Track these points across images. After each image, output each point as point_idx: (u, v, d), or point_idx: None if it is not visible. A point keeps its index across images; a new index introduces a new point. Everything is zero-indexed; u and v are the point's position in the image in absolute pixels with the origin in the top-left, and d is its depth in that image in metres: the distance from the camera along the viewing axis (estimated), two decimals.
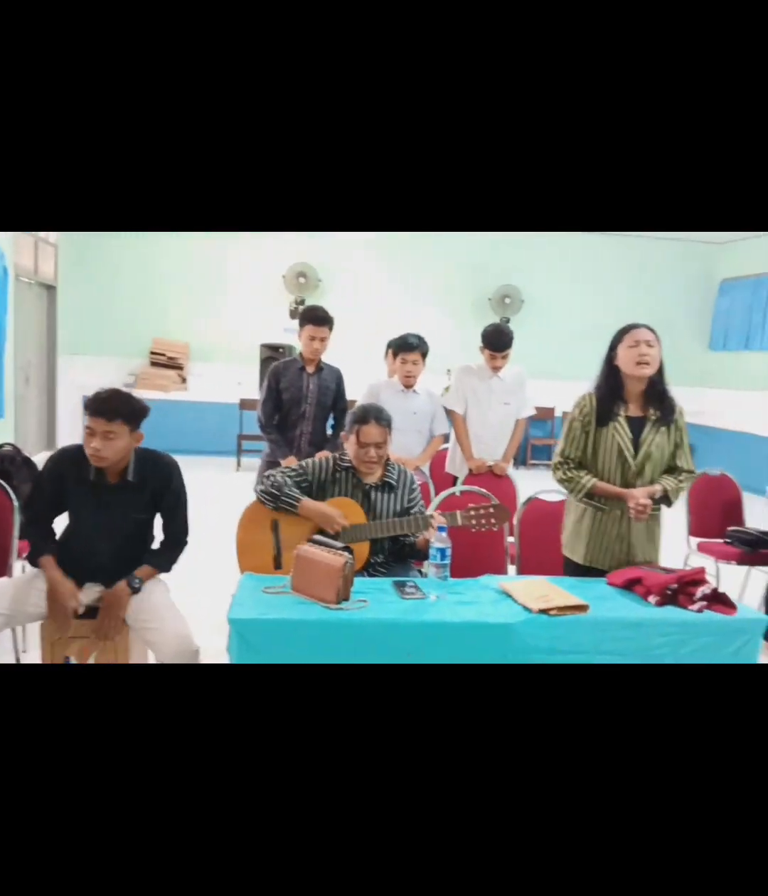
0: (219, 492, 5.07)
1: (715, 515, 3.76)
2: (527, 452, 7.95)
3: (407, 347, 3.46)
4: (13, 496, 2.71)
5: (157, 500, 2.25)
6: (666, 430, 2.36)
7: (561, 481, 2.42)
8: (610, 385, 2.36)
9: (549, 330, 8.10)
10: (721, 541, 3.70)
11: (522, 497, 3.13)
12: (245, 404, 7.21)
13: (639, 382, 2.34)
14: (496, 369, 3.65)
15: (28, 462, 3.36)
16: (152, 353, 7.81)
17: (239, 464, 7.22)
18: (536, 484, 3.20)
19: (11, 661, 2.57)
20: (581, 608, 1.98)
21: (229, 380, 7.84)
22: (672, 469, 2.40)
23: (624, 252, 8.36)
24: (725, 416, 7.88)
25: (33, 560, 2.22)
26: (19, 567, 2.73)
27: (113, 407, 2.10)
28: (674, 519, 3.89)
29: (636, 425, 2.35)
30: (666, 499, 2.36)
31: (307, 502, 2.34)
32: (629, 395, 2.37)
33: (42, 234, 6.94)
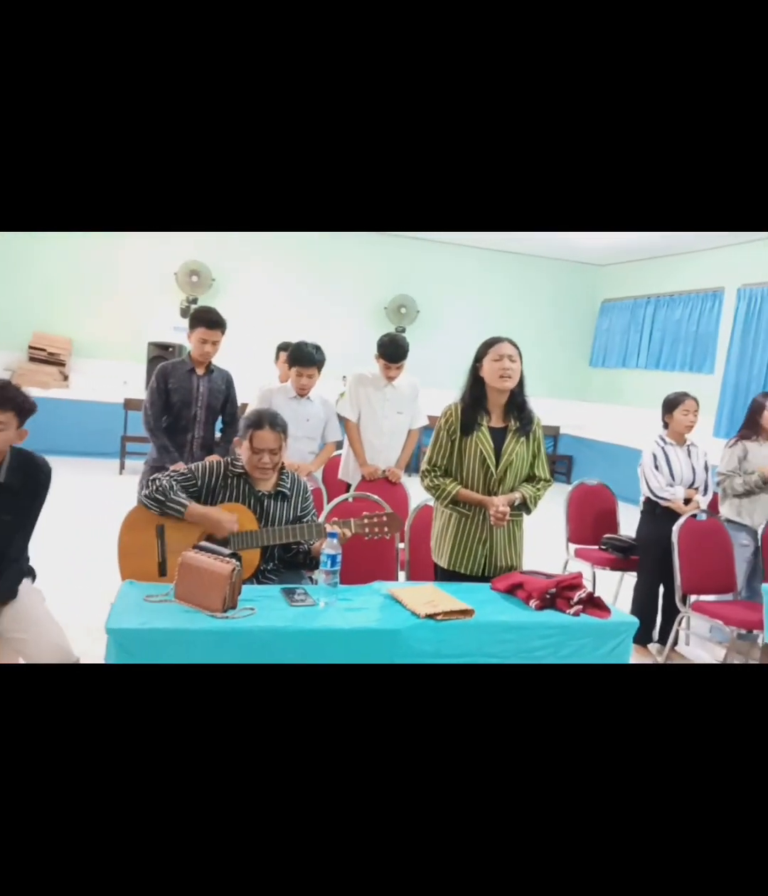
0: (102, 495, 4.85)
1: (592, 523, 3.96)
2: (420, 460, 8.08)
3: (305, 361, 3.43)
4: None
5: (27, 506, 2.11)
6: (525, 440, 2.47)
7: (428, 488, 2.49)
8: (474, 396, 2.45)
9: (442, 341, 8.29)
10: (597, 547, 3.90)
11: (414, 504, 3.18)
12: (130, 404, 6.93)
13: (501, 394, 2.44)
14: (390, 379, 3.69)
15: None
16: (31, 347, 7.37)
17: (123, 466, 6.93)
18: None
19: None
20: (466, 613, 2.03)
21: (114, 378, 7.52)
22: (531, 477, 2.51)
23: (515, 270, 8.70)
24: (602, 429, 8.33)
25: None
26: None
27: (5, 396, 1.97)
28: (554, 526, 4.08)
29: (498, 435, 2.45)
30: (525, 506, 2.47)
31: (195, 507, 2.27)
32: (491, 406, 2.46)
33: None
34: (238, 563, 1.97)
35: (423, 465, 2.51)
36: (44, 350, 7.40)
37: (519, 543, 2.53)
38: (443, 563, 2.50)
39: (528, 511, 2.50)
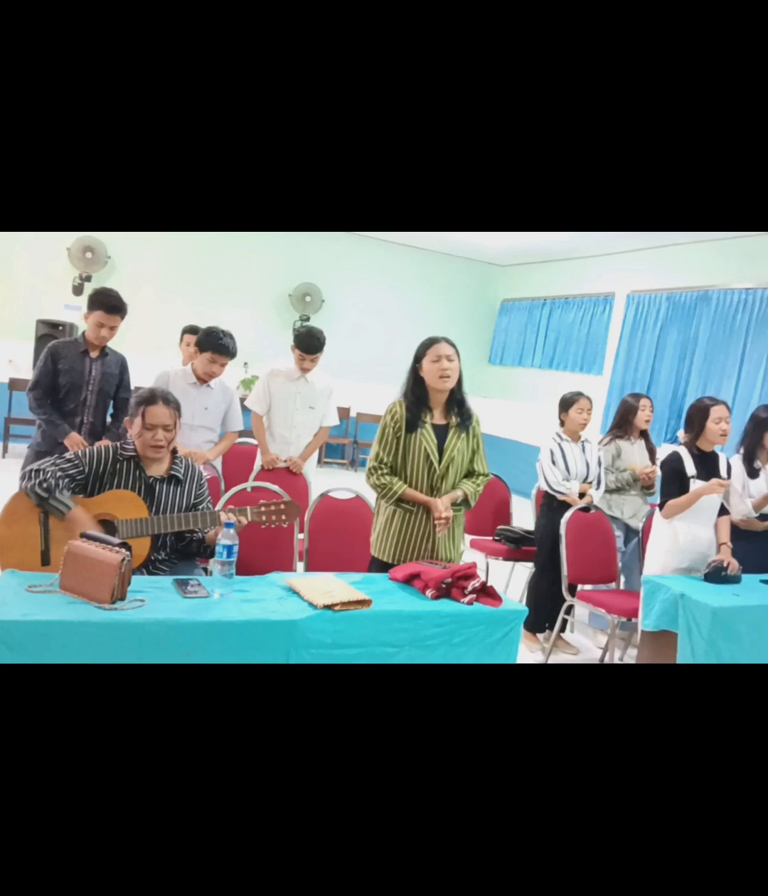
0: None
1: (487, 515, 4.07)
2: (322, 451, 8.05)
3: (221, 351, 3.32)
4: None
5: None
6: (466, 436, 2.53)
7: (375, 487, 2.51)
8: (416, 394, 2.50)
9: (347, 331, 8.27)
10: (491, 539, 4.02)
11: (314, 494, 3.16)
12: (15, 384, 6.53)
13: (441, 393, 2.50)
14: (305, 371, 3.66)
15: None
16: None
17: (5, 450, 6.53)
18: (329, 482, 3.25)
19: None
20: (364, 603, 2.04)
21: None
22: (470, 472, 2.58)
23: (419, 265, 8.78)
24: (499, 425, 8.58)
25: None
26: None
27: None
28: None
29: (440, 432, 2.51)
30: (466, 502, 2.54)
31: (77, 513, 2.15)
32: (433, 404, 2.52)
33: None
34: (128, 552, 1.90)
35: (370, 462, 2.53)
36: None
37: (457, 537, 2.61)
38: (385, 558, 2.54)
39: (469, 506, 2.57)
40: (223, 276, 7.94)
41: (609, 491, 3.67)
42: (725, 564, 2.89)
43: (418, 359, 2.50)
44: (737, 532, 3.20)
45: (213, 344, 3.33)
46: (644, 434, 3.81)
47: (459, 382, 2.52)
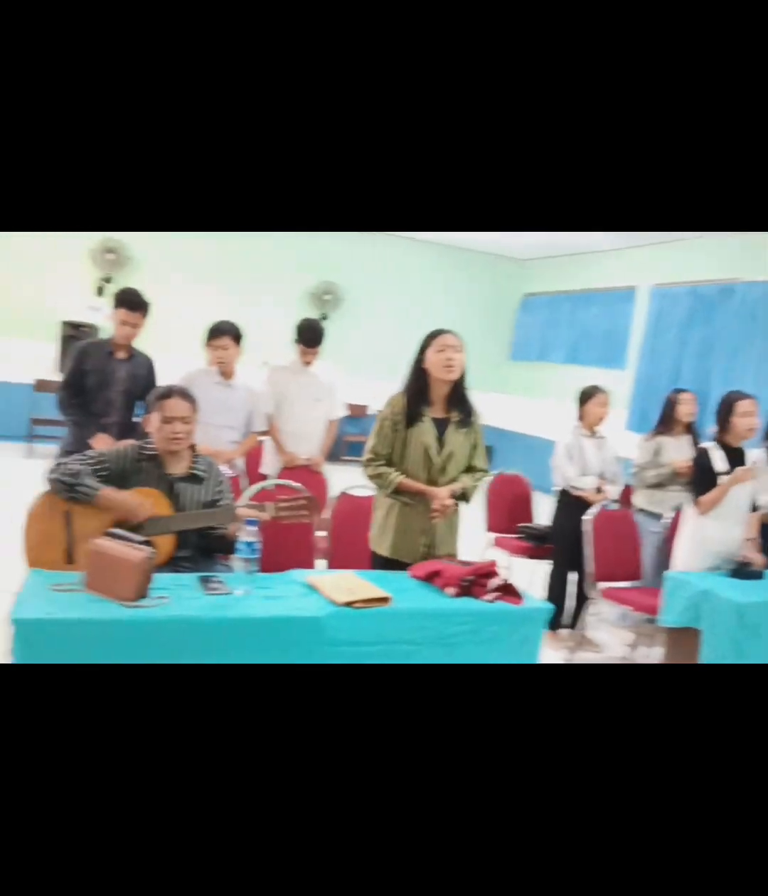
0: (7, 480, 4.62)
1: (509, 512, 4.05)
2: (341, 449, 8.07)
3: (216, 332, 3.39)
4: None
5: None
6: (466, 431, 2.50)
7: (371, 477, 2.49)
8: (418, 387, 2.47)
9: (366, 328, 8.27)
10: (513, 536, 4.00)
11: (334, 492, 3.17)
12: (41, 386, 6.62)
13: (444, 385, 2.46)
14: (307, 363, 3.67)
15: None
16: None
17: (31, 450, 6.62)
18: (348, 479, 3.25)
19: None
20: (384, 600, 2.04)
21: (24, 358, 7.16)
22: (469, 468, 2.55)
23: (439, 261, 8.75)
24: (520, 421, 8.53)
25: None
26: None
27: None
28: (473, 515, 4.15)
29: (440, 426, 2.47)
30: (464, 496, 2.52)
31: (107, 491, 2.19)
32: (434, 397, 2.48)
33: None
34: (151, 550, 1.91)
35: (366, 455, 2.51)
36: None
37: (456, 531, 2.58)
38: (384, 552, 2.52)
39: (466, 500, 2.54)
40: (243, 275, 7.97)
41: (650, 486, 3.63)
42: (750, 560, 2.85)
43: (422, 349, 2.46)
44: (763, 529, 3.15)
45: (210, 331, 3.38)
46: (690, 428, 3.74)
47: (462, 376, 2.48)
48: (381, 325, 8.44)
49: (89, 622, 1.74)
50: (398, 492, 2.46)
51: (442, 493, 2.40)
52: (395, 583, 2.23)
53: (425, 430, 2.44)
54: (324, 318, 7.98)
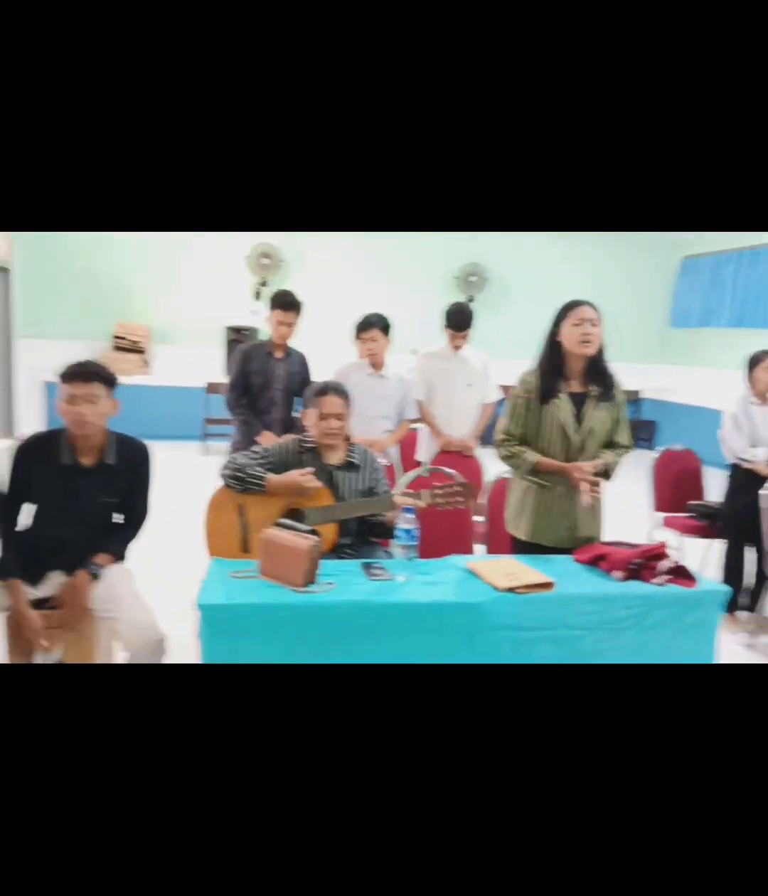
0: (187, 477, 5.03)
1: (678, 490, 3.83)
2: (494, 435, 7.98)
3: (364, 326, 3.47)
4: None
5: (128, 484, 2.24)
6: (607, 406, 2.38)
7: (504, 458, 2.44)
8: (553, 362, 2.37)
9: (513, 309, 8.11)
10: (683, 515, 3.78)
11: (489, 477, 3.16)
12: (212, 388, 7.13)
13: (581, 359, 2.36)
14: (457, 348, 3.67)
15: None
16: (115, 336, 7.66)
17: (206, 448, 7.16)
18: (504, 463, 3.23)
19: None
20: (547, 585, 2.01)
21: (194, 363, 7.74)
22: (610, 444, 2.43)
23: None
24: (686, 391, 8.01)
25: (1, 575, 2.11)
26: None
27: (89, 369, 2.12)
28: (636, 495, 3.97)
29: (578, 401, 2.37)
30: (606, 472, 2.39)
31: (273, 477, 2.34)
32: (571, 372, 2.38)
33: None
34: (317, 538, 2.02)
35: (498, 436, 2.46)
36: (126, 338, 7.68)
37: (598, 512, 2.48)
38: (522, 536, 2.47)
39: (607, 477, 2.42)
40: (388, 265, 8.09)
41: None
42: None
43: (557, 323, 2.35)
44: None
45: (358, 325, 3.46)
46: None
47: (601, 348, 2.35)
48: (533, 303, 8.21)
49: (265, 606, 1.87)
50: (534, 472, 2.38)
51: (584, 467, 2.30)
52: (559, 567, 2.19)
53: (561, 407, 2.35)
54: (471, 300, 7.92)
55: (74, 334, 7.63)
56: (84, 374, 2.11)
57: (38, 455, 2.17)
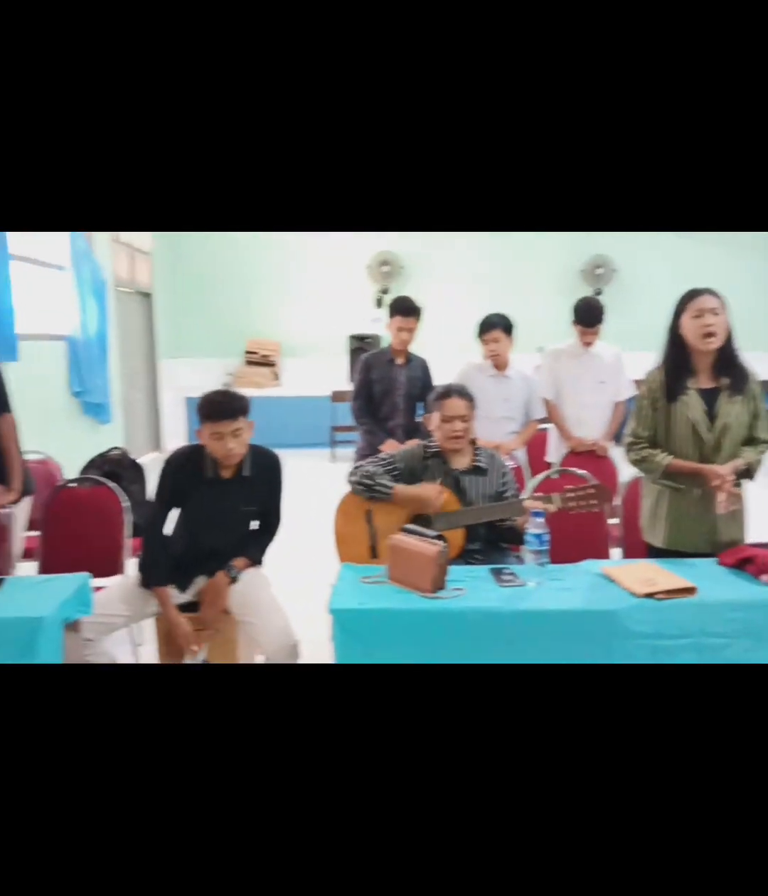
0: (315, 484, 5.17)
1: None
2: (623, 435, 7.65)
3: (487, 326, 3.42)
4: (123, 497, 2.85)
5: (264, 493, 2.33)
6: (741, 400, 2.20)
7: (635, 463, 2.31)
8: (676, 358, 2.22)
9: (645, 299, 7.73)
10: None
11: (624, 478, 3.02)
12: (337, 396, 7.31)
13: (707, 354, 2.20)
14: (587, 345, 3.54)
15: (136, 465, 3.54)
16: (247, 352, 8.05)
17: (333, 456, 7.34)
18: None
19: (129, 651, 2.71)
20: (688, 591, 1.90)
21: (320, 373, 7.97)
22: (750, 440, 2.24)
23: None
24: None
25: (147, 584, 2.25)
26: (132, 564, 2.87)
27: (232, 407, 2.20)
28: None
29: (708, 397, 2.20)
30: (748, 472, 2.21)
31: (400, 487, 2.35)
32: (697, 366, 2.22)
33: (136, 244, 7.24)
34: (444, 544, 2.01)
35: (626, 439, 2.34)
36: (257, 353, 8.05)
37: (740, 514, 2.30)
38: (657, 543, 2.34)
39: (750, 477, 2.24)
40: (510, 263, 7.98)
41: None
42: None
43: (677, 315, 2.19)
44: None
45: (480, 326, 3.41)
46: None
47: (729, 338, 2.17)
48: (660, 295, 7.81)
49: (395, 612, 1.88)
50: (668, 476, 2.24)
51: (721, 470, 2.14)
52: (701, 571, 2.06)
53: (691, 405, 2.19)
54: (600, 293, 7.64)
55: (210, 352, 8.08)
56: (229, 412, 2.18)
57: (184, 468, 2.30)
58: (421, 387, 3.55)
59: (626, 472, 3.10)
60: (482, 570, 2.16)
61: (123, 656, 2.48)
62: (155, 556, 2.28)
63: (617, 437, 3.64)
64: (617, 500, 2.85)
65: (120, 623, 2.25)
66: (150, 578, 2.25)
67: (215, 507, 2.28)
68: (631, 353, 3.72)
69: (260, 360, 8.04)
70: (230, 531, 2.31)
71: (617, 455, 3.54)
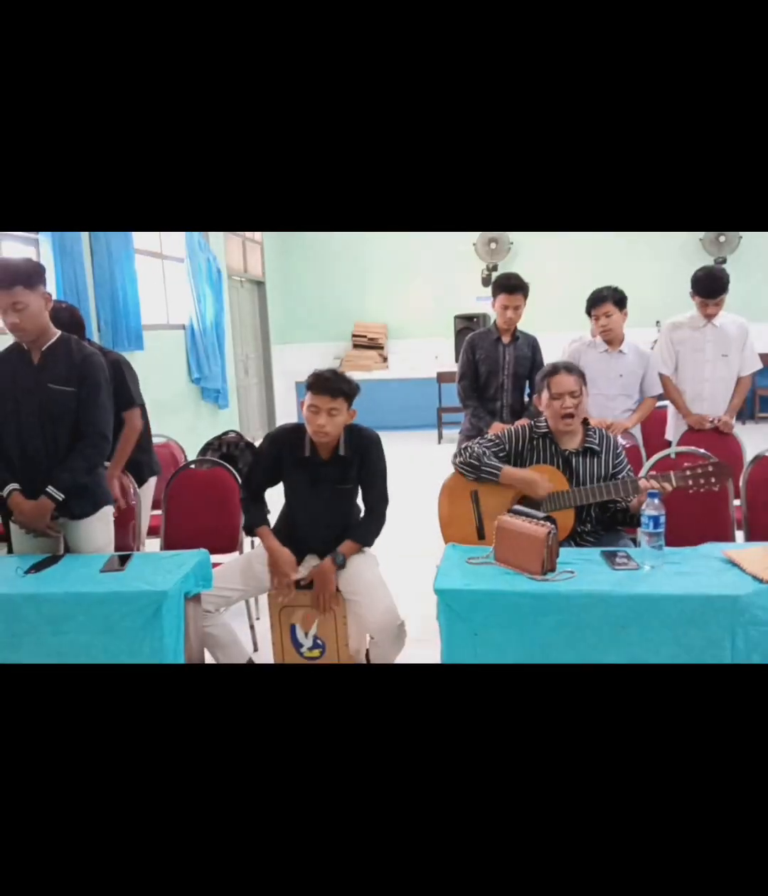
0: (423, 464, 5.18)
1: None
2: (755, 405, 7.17)
3: (596, 300, 3.26)
4: (239, 479, 2.96)
5: (361, 472, 2.34)
6: None
7: None
8: None
9: None
10: None
11: (749, 455, 2.84)
12: (443, 377, 7.26)
13: None
14: (709, 317, 3.32)
15: (251, 446, 3.65)
16: (354, 335, 8.14)
17: (440, 436, 7.32)
18: (766, 440, 2.88)
19: (246, 627, 2.83)
20: None
21: (426, 355, 7.95)
22: None
23: None
24: None
25: (249, 529, 2.41)
26: (249, 543, 2.99)
27: (335, 385, 2.23)
28: None
29: None
30: None
31: (508, 470, 2.30)
32: None
33: (248, 234, 7.45)
34: (553, 525, 1.95)
35: None
36: (364, 336, 8.12)
37: None
38: None
39: None
40: (622, 234, 7.60)
41: None
42: None
43: None
44: None
45: (589, 300, 3.27)
46: None
47: None
48: None
49: (502, 593, 1.85)
50: None
51: None
52: None
53: None
54: (723, 262, 7.17)
55: (319, 337, 8.23)
56: (331, 389, 2.21)
57: (284, 444, 2.36)
58: (530, 366, 3.45)
59: (752, 448, 2.91)
60: (594, 553, 2.09)
61: (241, 630, 2.59)
62: (246, 505, 2.42)
63: (741, 413, 3.42)
64: (741, 480, 2.68)
65: (237, 596, 2.36)
66: (251, 519, 2.38)
67: (314, 486, 2.32)
68: (758, 324, 3.46)
69: (367, 344, 8.11)
70: (329, 509, 2.34)
71: (744, 431, 3.34)
